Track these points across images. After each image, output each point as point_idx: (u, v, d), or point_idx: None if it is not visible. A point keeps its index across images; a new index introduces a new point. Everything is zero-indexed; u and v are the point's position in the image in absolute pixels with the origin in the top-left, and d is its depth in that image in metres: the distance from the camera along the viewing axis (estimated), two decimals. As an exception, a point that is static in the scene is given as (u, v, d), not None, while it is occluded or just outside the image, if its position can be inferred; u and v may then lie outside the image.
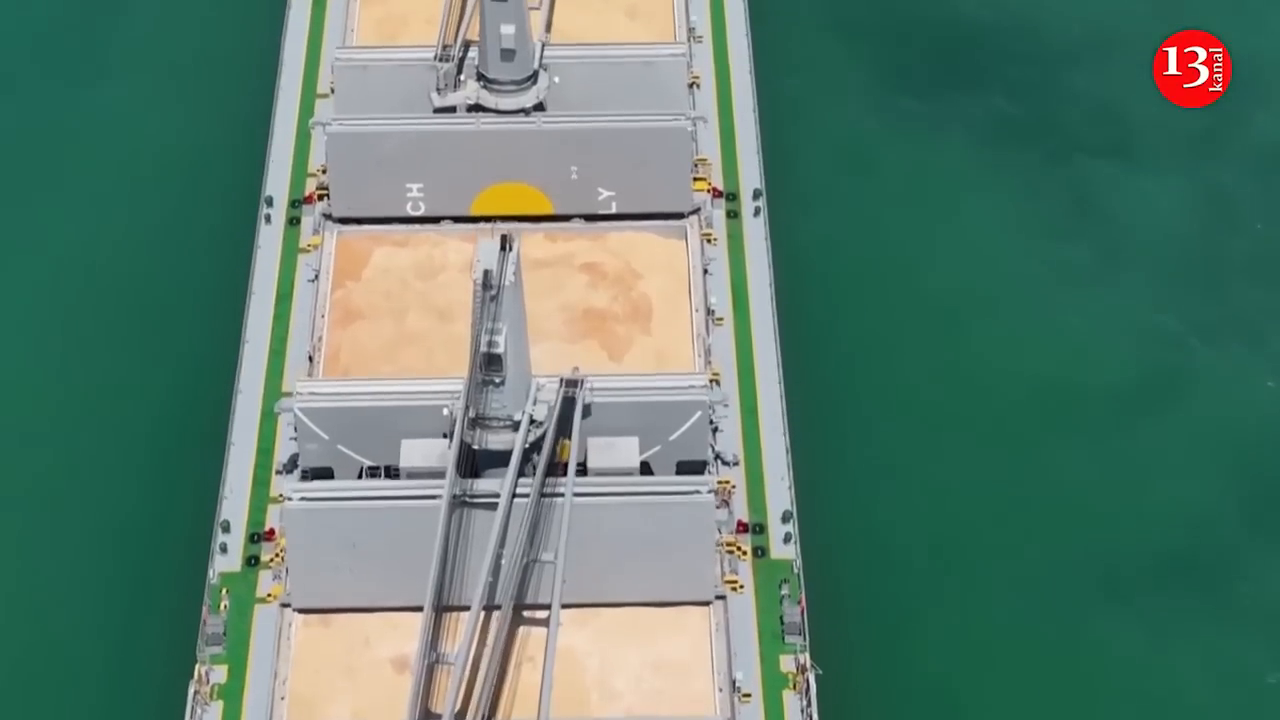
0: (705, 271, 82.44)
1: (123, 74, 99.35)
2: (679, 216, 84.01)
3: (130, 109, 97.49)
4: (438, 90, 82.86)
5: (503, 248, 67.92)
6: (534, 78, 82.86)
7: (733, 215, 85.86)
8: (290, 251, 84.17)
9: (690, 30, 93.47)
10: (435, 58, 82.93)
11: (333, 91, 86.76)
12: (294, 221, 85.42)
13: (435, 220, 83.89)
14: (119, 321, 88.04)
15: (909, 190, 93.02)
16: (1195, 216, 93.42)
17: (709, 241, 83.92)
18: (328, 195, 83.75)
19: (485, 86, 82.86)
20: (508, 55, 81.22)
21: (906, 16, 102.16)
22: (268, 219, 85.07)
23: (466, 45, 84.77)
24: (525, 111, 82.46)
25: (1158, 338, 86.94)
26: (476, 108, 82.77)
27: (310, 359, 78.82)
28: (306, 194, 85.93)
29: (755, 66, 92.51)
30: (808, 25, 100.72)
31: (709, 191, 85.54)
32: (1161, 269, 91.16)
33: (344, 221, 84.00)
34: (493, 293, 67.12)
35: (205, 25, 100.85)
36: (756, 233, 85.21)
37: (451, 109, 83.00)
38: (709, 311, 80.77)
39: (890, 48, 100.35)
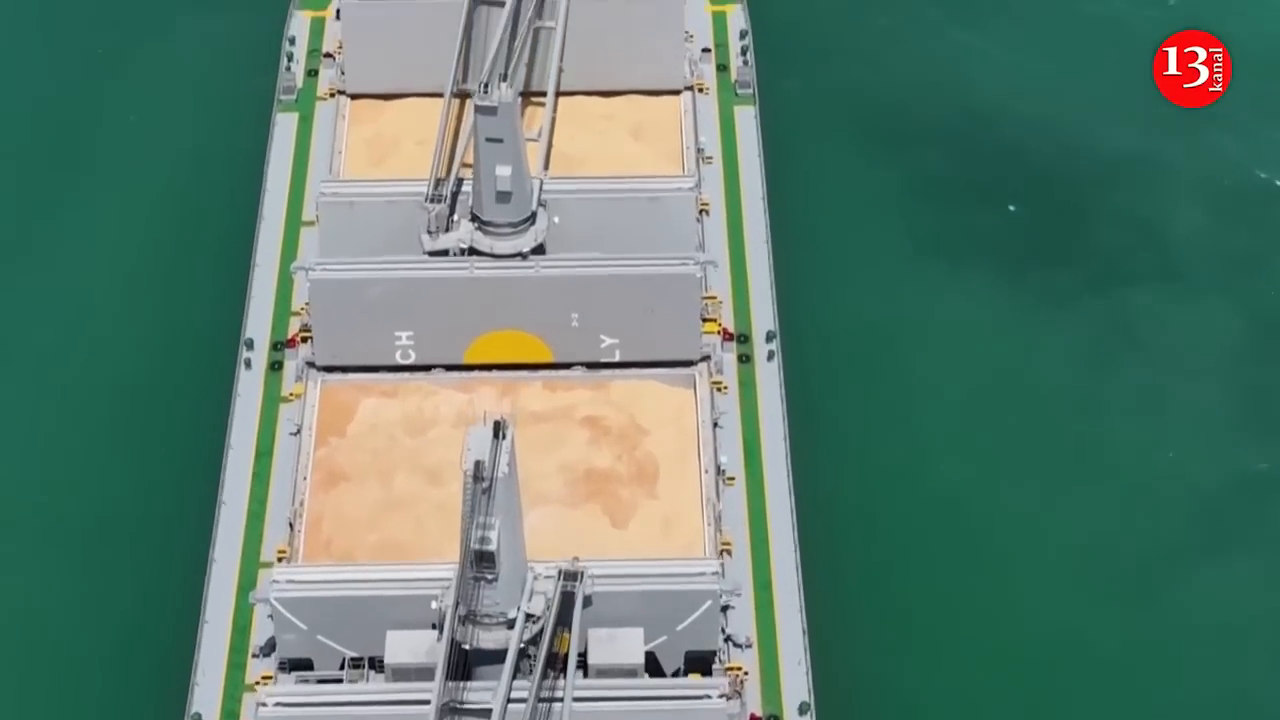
0: (715, 425, 76.78)
1: (91, 193, 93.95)
2: (687, 364, 78.25)
3: (96, 233, 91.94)
4: (429, 232, 77.24)
5: (496, 435, 62.12)
6: (532, 218, 77.33)
7: (744, 360, 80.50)
8: (271, 400, 78.79)
9: (699, 151, 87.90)
10: (426, 198, 77.26)
11: (318, 220, 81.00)
12: (276, 366, 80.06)
13: (426, 368, 78.13)
14: (87, 474, 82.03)
15: (932, 323, 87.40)
16: (1243, 342, 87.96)
17: (719, 390, 78.54)
18: (312, 338, 78.03)
19: (480, 228, 77.36)
20: (504, 198, 75.88)
21: (925, 124, 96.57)
22: (248, 364, 79.76)
23: (460, 180, 79.23)
24: (523, 255, 77.07)
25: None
26: (470, 251, 77.33)
27: (291, 526, 73.25)
28: (289, 336, 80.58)
29: (768, 189, 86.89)
30: (822, 136, 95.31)
31: (719, 333, 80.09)
32: (1207, 399, 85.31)
33: (329, 369, 78.24)
34: (485, 485, 61.38)
35: (183, 141, 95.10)
36: (770, 379, 79.85)
37: (444, 252, 77.34)
38: (719, 471, 75.26)
39: (909, 159, 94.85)
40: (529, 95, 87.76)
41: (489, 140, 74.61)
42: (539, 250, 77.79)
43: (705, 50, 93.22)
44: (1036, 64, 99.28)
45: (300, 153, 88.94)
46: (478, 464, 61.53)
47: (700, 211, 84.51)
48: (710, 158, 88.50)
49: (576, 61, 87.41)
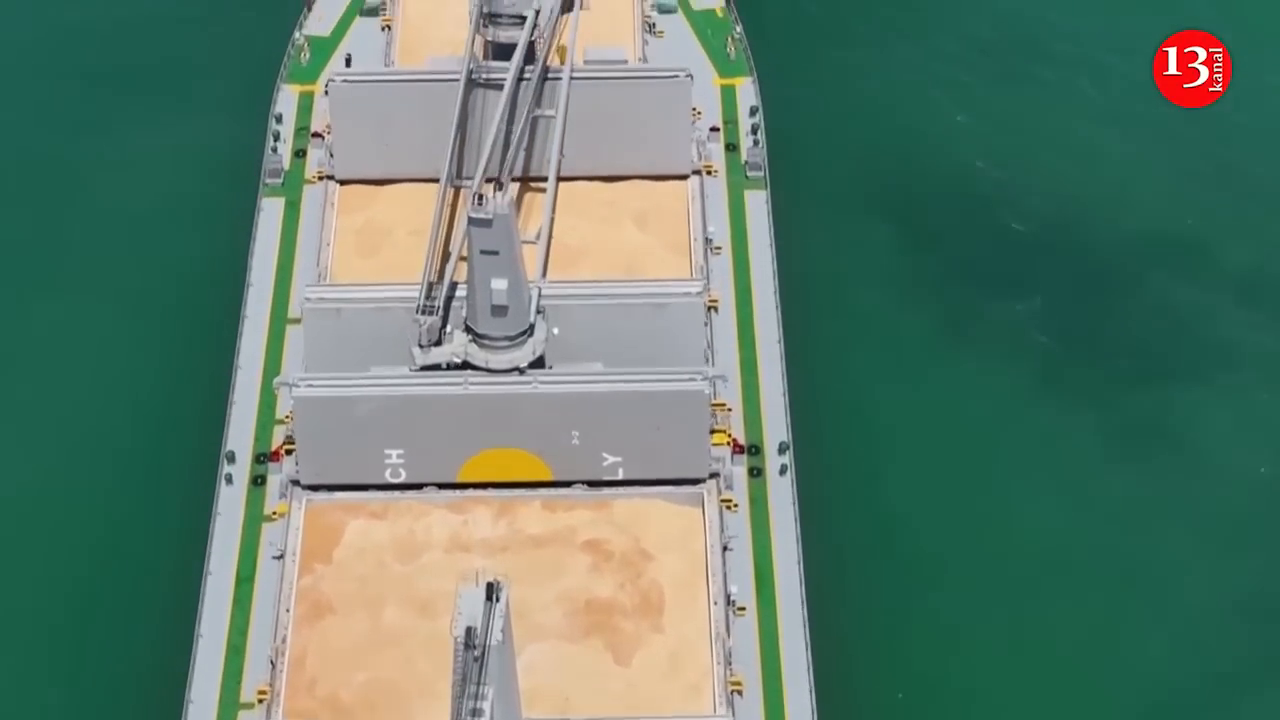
0: (725, 549, 72.19)
1: (61, 289, 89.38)
2: (695, 481, 73.64)
3: (66, 331, 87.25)
4: (420, 346, 72.57)
5: (489, 597, 57.63)
6: (530, 330, 72.68)
7: (755, 473, 75.88)
8: (253, 520, 74.45)
9: (707, 242, 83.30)
10: (418, 308, 72.67)
11: (303, 327, 76.52)
12: (258, 481, 75.64)
13: (418, 486, 73.54)
14: (54, 602, 77.29)
15: (956, 427, 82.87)
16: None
17: (729, 508, 73.99)
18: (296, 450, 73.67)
19: (474, 340, 72.66)
20: (500, 311, 71.32)
21: (943, 205, 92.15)
22: (229, 479, 75.40)
23: (454, 284, 74.65)
24: (520, 370, 72.41)
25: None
26: (465, 365, 72.71)
27: (272, 664, 68.69)
28: (273, 449, 75.93)
29: (780, 282, 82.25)
30: (835, 221, 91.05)
31: (729, 445, 75.46)
32: (1242, 502, 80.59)
33: (314, 488, 73.64)
34: (476, 653, 56.93)
35: (161, 229, 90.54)
36: (783, 496, 75.37)
37: (436, 366, 72.69)
38: (729, 602, 70.69)
39: (927, 244, 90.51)
40: (528, 180, 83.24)
41: (484, 253, 69.78)
42: (538, 363, 73.17)
43: (714, 129, 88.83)
44: (1055, 141, 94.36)
45: (286, 243, 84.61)
46: (469, 630, 56.88)
47: (708, 309, 79.69)
48: (719, 248, 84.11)
49: (578, 145, 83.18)
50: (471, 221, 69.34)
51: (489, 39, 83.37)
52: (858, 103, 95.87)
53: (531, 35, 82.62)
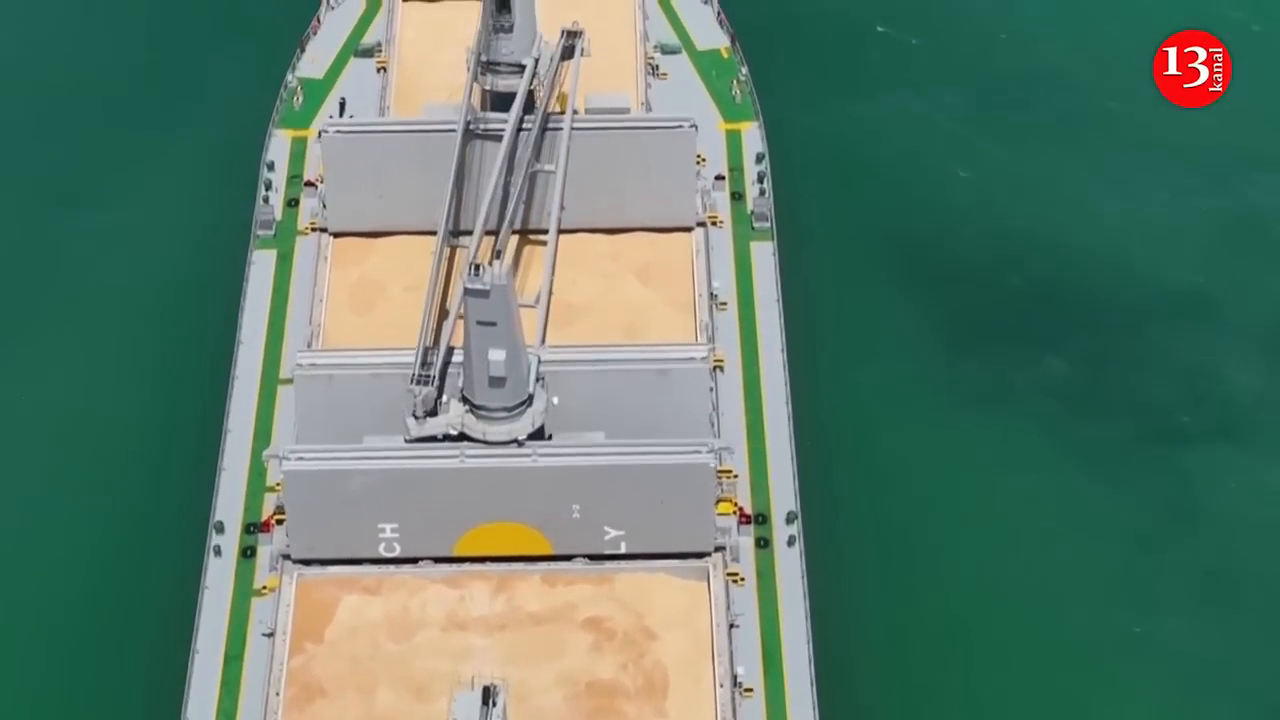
0: (732, 626, 69.58)
1: (41, 348, 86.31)
2: (700, 555, 71.07)
3: (47, 392, 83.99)
4: (415, 417, 69.91)
5: (485, 702, 55.14)
6: (529, 400, 69.93)
7: (763, 544, 73.28)
8: (242, 594, 72.00)
9: (712, 297, 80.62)
10: (412, 378, 70.03)
11: (294, 394, 73.90)
12: (248, 553, 73.01)
13: (413, 560, 70.98)
14: (30, 687, 74.47)
15: (972, 495, 79.66)
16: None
17: (735, 582, 71.34)
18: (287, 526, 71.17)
19: (471, 411, 69.96)
20: (497, 383, 68.55)
21: (958, 258, 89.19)
22: (217, 550, 72.82)
23: (451, 349, 71.98)
24: (518, 442, 69.64)
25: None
26: (461, 436, 69.94)
27: (261, 754, 66.23)
28: (264, 519, 73.33)
29: (787, 339, 79.59)
30: (844, 274, 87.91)
31: (735, 514, 72.86)
32: (1263, 571, 77.87)
33: (306, 562, 71.08)
34: None
35: (148, 281, 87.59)
36: (791, 568, 72.82)
37: (432, 438, 70.06)
38: (735, 683, 68.14)
39: (941, 299, 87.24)
40: (527, 233, 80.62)
41: (480, 323, 67.16)
42: (537, 434, 70.45)
43: (719, 178, 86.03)
44: (1072, 188, 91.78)
45: (278, 298, 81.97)
46: None
47: (714, 369, 76.93)
48: (725, 304, 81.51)
49: (579, 197, 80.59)
50: (468, 292, 66.63)
51: (487, 88, 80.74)
52: (867, 150, 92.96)
53: (531, 84, 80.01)
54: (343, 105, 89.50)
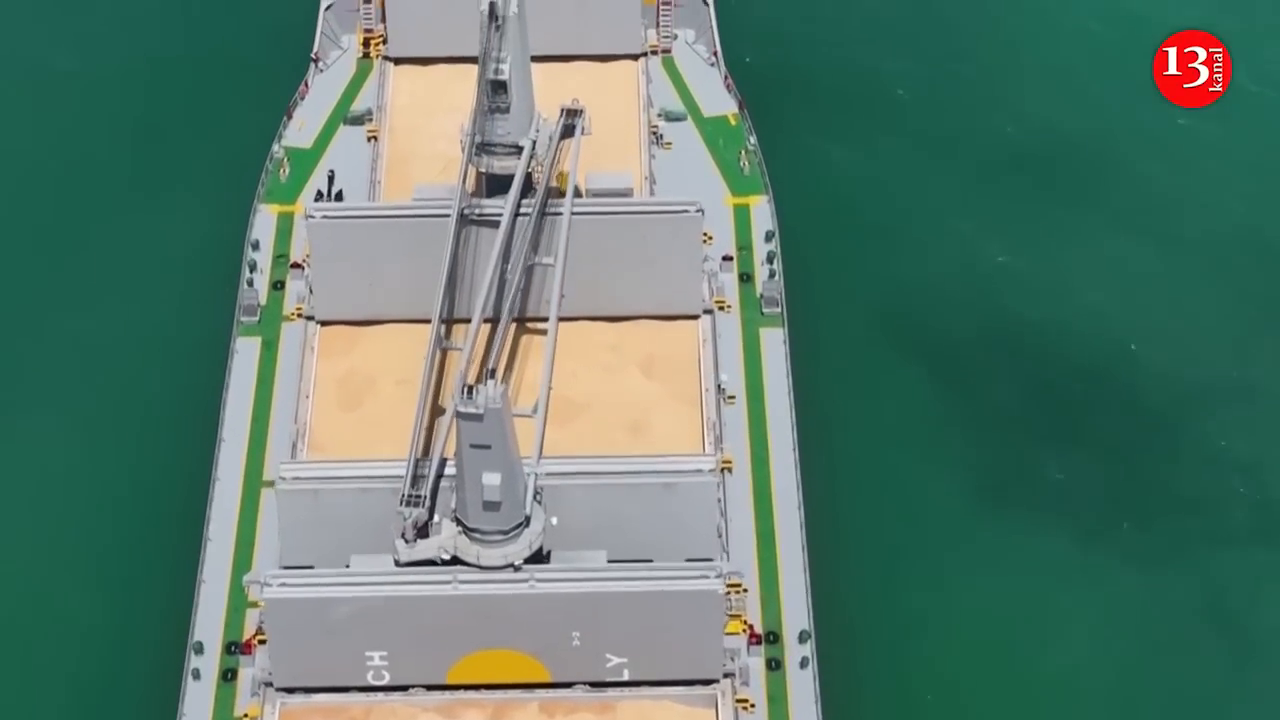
0: (742, 760, 65.81)
1: (17, 443, 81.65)
2: (708, 682, 67.04)
3: (22, 488, 79.60)
4: (404, 539, 65.80)
5: None
6: (526, 521, 65.79)
7: (774, 666, 69.25)
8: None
9: (720, 390, 76.40)
10: (402, 499, 65.92)
11: (277, 511, 69.81)
12: (229, 675, 68.93)
13: (404, 688, 66.91)
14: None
15: (995, 607, 75.60)
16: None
17: (745, 709, 67.49)
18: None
19: (464, 532, 65.83)
20: (492, 507, 64.32)
21: (977, 346, 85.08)
22: (195, 674, 68.89)
23: (444, 460, 67.78)
24: (514, 567, 65.54)
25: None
26: (454, 560, 65.87)
27: None
28: (245, 639, 69.24)
29: (799, 435, 75.39)
30: (859, 363, 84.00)
31: (744, 633, 68.83)
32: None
33: (290, 690, 67.03)
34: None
35: (127, 371, 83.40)
36: (804, 693, 69.08)
37: (424, 562, 65.99)
38: (746, 821, 64.22)
39: (961, 389, 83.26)
40: (524, 320, 76.46)
41: (474, 446, 62.99)
42: (536, 557, 66.28)
43: (726, 258, 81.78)
44: (1099, 262, 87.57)
45: (262, 391, 77.96)
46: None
47: (722, 470, 72.87)
48: (733, 397, 77.30)
49: (580, 284, 76.73)
50: (460, 415, 62.42)
51: (482, 170, 76.50)
52: (883, 225, 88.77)
53: (529, 166, 75.78)
54: (331, 178, 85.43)
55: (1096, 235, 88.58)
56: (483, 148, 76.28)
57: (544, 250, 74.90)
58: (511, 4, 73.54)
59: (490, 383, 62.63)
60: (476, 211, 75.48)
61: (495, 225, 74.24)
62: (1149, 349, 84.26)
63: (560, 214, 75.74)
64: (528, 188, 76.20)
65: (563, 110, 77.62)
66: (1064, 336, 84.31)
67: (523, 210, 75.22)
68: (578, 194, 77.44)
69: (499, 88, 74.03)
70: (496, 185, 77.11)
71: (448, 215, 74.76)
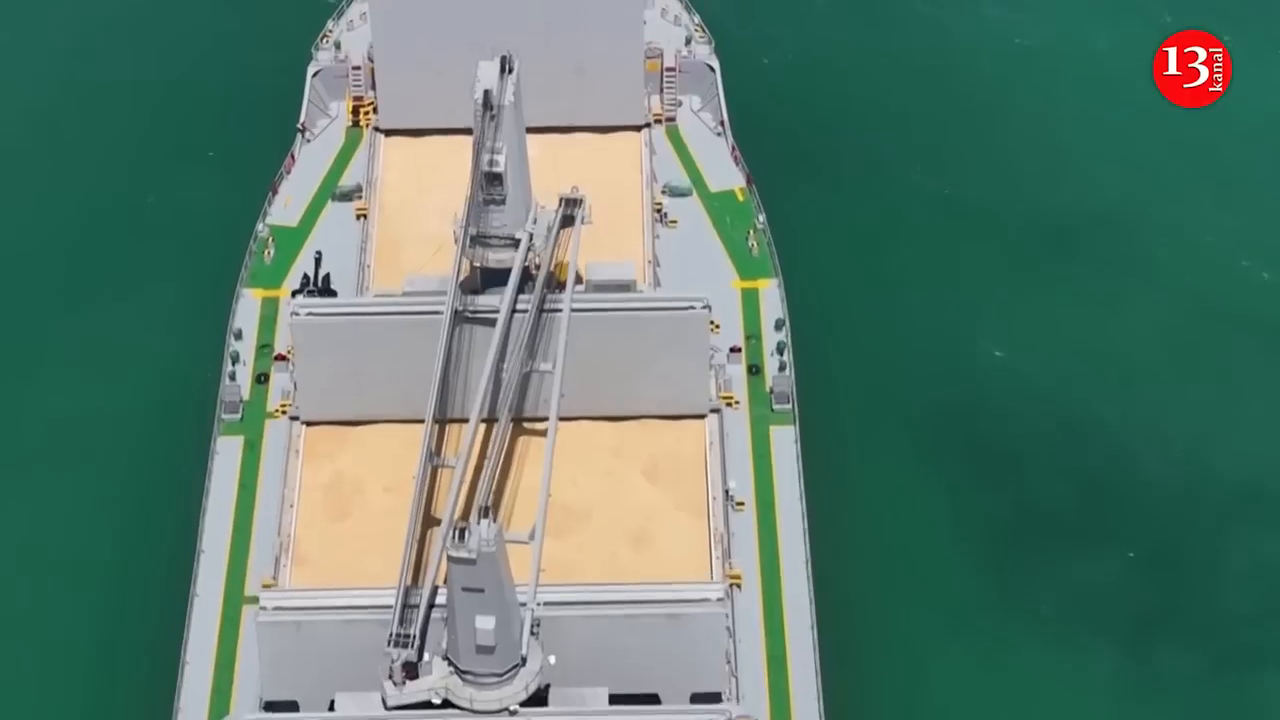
0: None
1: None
2: None
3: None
4: (392, 681, 61.66)
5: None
6: (523, 661, 61.71)
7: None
8: None
9: (728, 496, 72.32)
10: (389, 640, 61.73)
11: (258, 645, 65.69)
12: (211, 807, 64.90)
13: (394, 835, 63.04)
14: None
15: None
16: None
17: None
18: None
19: (457, 673, 61.73)
20: (485, 650, 60.20)
21: (1004, 438, 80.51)
22: (173, 814, 64.56)
23: (435, 590, 63.56)
24: (510, 711, 61.55)
25: None
26: (445, 704, 61.83)
27: None
28: (226, 768, 65.37)
29: (812, 548, 71.18)
30: (876, 461, 79.40)
31: (758, 786, 65.07)
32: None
33: (272, 830, 63.28)
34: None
35: (101, 475, 78.94)
36: (820, 836, 64.46)
37: (414, 705, 61.88)
38: None
39: (987, 490, 78.75)
40: (521, 420, 72.25)
41: (466, 590, 58.88)
42: (534, 699, 62.13)
43: (734, 350, 77.48)
44: (1124, 352, 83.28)
45: (245, 496, 74.18)
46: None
47: (730, 585, 68.92)
48: (742, 504, 73.20)
49: (580, 383, 72.44)
50: (452, 560, 58.30)
51: (477, 264, 72.35)
52: (900, 309, 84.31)
53: (526, 259, 71.65)
54: (318, 260, 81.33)
55: (1119, 324, 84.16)
56: (477, 239, 72.12)
57: (542, 354, 70.65)
58: (508, 92, 69.27)
59: (484, 523, 58.41)
60: (470, 309, 71.32)
61: (491, 324, 70.08)
62: (1180, 442, 80.00)
63: (560, 310, 71.50)
64: (526, 276, 72.03)
65: (562, 200, 73.50)
66: (1095, 428, 79.92)
67: (520, 307, 71.07)
68: (578, 282, 73.30)
69: (494, 180, 69.90)
70: (492, 276, 72.98)
71: (440, 313, 70.51)
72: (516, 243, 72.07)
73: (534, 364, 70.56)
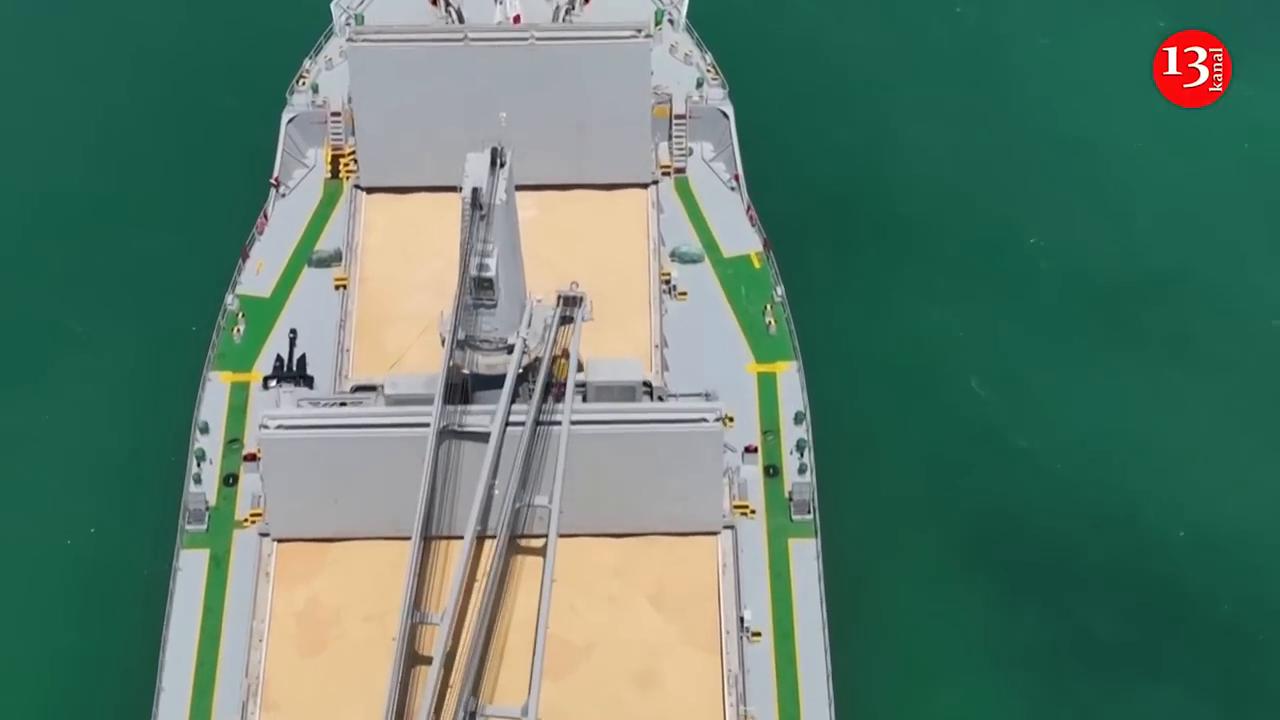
0: None
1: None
2: None
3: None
4: None
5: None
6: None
7: None
8: None
9: (742, 628, 65.79)
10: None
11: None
12: None
13: None
14: None
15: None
16: None
17: None
18: None
19: None
20: None
21: (1053, 555, 73.65)
22: None
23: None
24: None
25: None
26: None
27: None
28: None
29: (834, 687, 64.51)
30: (907, 578, 72.71)
31: None
32: None
33: None
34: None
35: (51, 599, 71.96)
36: None
37: None
38: None
39: (1034, 615, 71.81)
40: (519, 538, 65.47)
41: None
42: None
43: (749, 450, 70.38)
44: (1178, 436, 76.57)
45: (210, 623, 67.70)
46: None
47: (746, 735, 62.89)
48: (758, 634, 66.73)
49: (580, 500, 66.00)
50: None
51: (466, 370, 65.30)
52: (936, 400, 77.06)
53: (520, 365, 64.64)
54: (293, 339, 74.52)
55: (1167, 407, 77.59)
56: (466, 342, 65.06)
57: (537, 478, 63.86)
58: (499, 190, 61.91)
59: (470, 699, 52.10)
60: (458, 423, 64.37)
61: (483, 440, 63.29)
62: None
63: (558, 423, 64.61)
64: (520, 380, 65.21)
65: (560, 298, 66.33)
66: (1148, 539, 72.89)
67: (515, 418, 64.20)
68: (580, 387, 66.47)
69: (484, 284, 62.68)
70: (482, 383, 65.95)
71: (425, 427, 63.54)
72: (510, 347, 64.99)
73: (529, 498, 63.56)
